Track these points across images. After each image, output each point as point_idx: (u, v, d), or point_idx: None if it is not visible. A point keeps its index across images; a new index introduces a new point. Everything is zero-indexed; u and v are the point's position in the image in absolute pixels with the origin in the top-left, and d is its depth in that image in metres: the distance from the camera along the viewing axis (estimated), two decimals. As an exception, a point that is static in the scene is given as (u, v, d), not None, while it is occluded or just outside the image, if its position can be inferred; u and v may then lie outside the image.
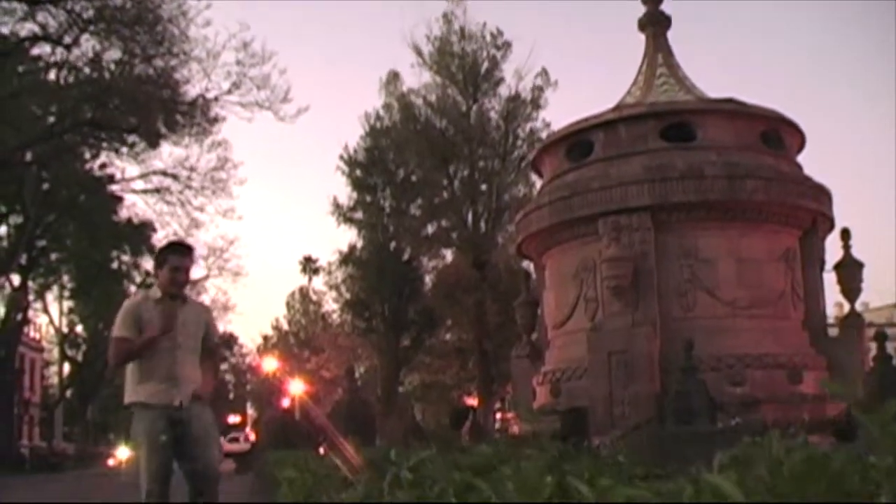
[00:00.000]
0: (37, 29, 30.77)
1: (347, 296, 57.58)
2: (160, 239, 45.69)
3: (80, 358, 64.82)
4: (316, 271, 78.68)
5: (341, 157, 52.90)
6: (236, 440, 57.76)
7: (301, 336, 79.05)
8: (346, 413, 16.61)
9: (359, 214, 53.09)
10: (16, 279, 43.74)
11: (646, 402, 17.86)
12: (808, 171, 21.79)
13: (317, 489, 3.90)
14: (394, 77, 49.50)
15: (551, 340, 22.09)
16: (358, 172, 52.29)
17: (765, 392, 18.43)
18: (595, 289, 20.09)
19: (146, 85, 30.83)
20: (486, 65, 46.98)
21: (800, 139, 22.26)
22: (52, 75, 34.07)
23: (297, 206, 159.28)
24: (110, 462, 60.17)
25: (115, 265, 50.27)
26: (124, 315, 7.08)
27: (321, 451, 22.66)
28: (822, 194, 20.97)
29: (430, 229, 51.57)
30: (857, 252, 21.49)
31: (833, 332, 21.99)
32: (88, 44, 31.61)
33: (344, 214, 52.77)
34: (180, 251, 7.41)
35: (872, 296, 70.70)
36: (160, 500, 6.78)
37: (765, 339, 19.28)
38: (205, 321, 7.47)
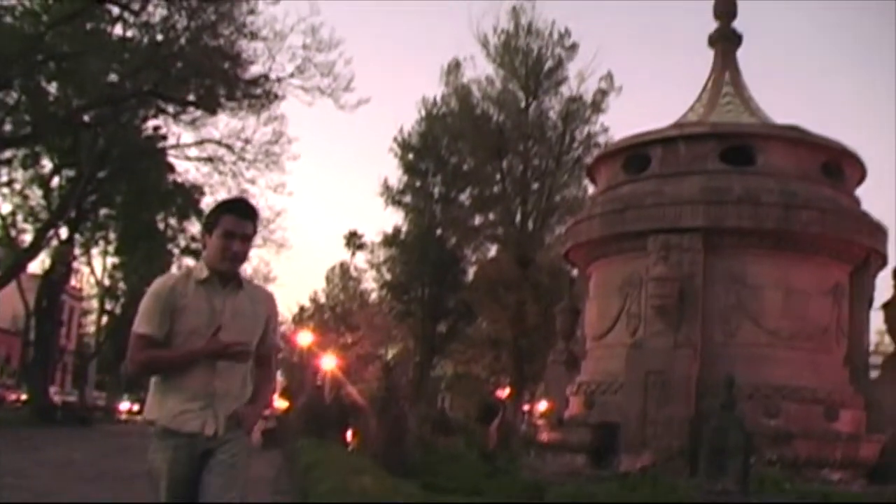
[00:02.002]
0: (106, -10, 31.02)
1: (388, 276, 57.80)
2: (209, 204, 46.05)
3: (118, 311, 65.29)
4: (360, 247, 78.61)
5: (395, 140, 53.17)
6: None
7: (338, 311, 79.30)
8: (379, 411, 16.64)
9: (407, 198, 53.39)
10: (63, 232, 44.15)
11: (679, 426, 17.74)
12: (865, 203, 21.58)
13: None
14: (455, 66, 49.61)
15: (589, 351, 21.98)
16: (410, 156, 52.55)
17: (799, 426, 18.24)
18: (639, 305, 19.94)
19: (211, 57, 30.97)
20: (549, 63, 46.92)
21: (860, 172, 21.99)
22: (118, 31, 34.34)
23: (344, 184, 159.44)
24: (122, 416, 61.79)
25: (161, 226, 50.56)
26: (150, 301, 5.11)
27: (349, 435, 22.79)
28: (877, 231, 20.70)
29: (477, 221, 51.70)
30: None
31: (874, 360, 21.81)
32: (157, 11, 31.86)
33: (393, 197, 53.10)
34: (238, 211, 5.27)
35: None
36: None
37: (804, 371, 19.08)
38: (265, 315, 5.36)
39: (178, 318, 5.06)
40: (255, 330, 5.26)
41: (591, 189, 41.56)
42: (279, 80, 34.19)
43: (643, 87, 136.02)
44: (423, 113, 52.63)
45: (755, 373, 18.41)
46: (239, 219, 5.18)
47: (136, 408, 71.71)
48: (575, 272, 26.08)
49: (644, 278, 19.67)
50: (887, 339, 22.59)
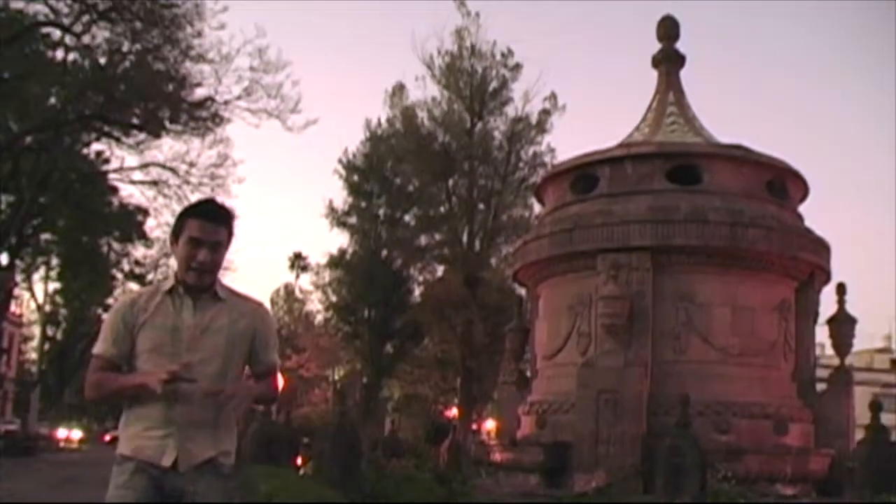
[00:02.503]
0: (48, 11, 30.72)
1: (334, 298, 57.60)
2: (153, 227, 45.62)
3: (60, 337, 64.52)
4: (304, 268, 78.50)
5: (340, 161, 53.13)
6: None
7: (283, 333, 78.91)
8: (333, 436, 16.51)
9: (353, 219, 53.36)
10: (3, 258, 43.56)
11: (632, 443, 17.80)
12: (807, 219, 21.87)
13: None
14: (399, 89, 49.68)
15: (540, 370, 22.02)
16: (355, 177, 52.56)
17: (750, 441, 18.40)
18: (589, 324, 20.01)
19: (155, 80, 30.77)
20: (494, 84, 47.09)
21: (803, 189, 22.27)
22: (59, 55, 33.94)
23: (288, 205, 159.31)
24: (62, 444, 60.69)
25: (104, 250, 50.00)
26: (108, 319, 4.70)
27: (299, 460, 22.58)
28: (821, 247, 20.96)
29: (423, 241, 51.70)
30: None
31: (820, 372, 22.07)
32: (101, 33, 31.59)
33: (338, 218, 53.05)
34: (206, 214, 4.65)
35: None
36: None
37: (753, 387, 19.24)
38: (251, 333, 4.73)
39: (139, 335, 4.52)
40: (233, 348, 4.62)
41: (537, 209, 41.89)
42: (226, 102, 34.12)
43: (587, 105, 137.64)
44: (367, 134, 52.66)
45: (705, 389, 18.52)
46: (207, 223, 4.56)
47: (74, 435, 70.75)
48: (524, 292, 26.12)
49: (594, 297, 19.74)
50: (829, 351, 22.90)
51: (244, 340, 4.68)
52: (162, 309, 4.54)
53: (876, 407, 14.56)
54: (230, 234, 4.67)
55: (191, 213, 4.66)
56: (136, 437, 4.48)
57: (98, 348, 4.56)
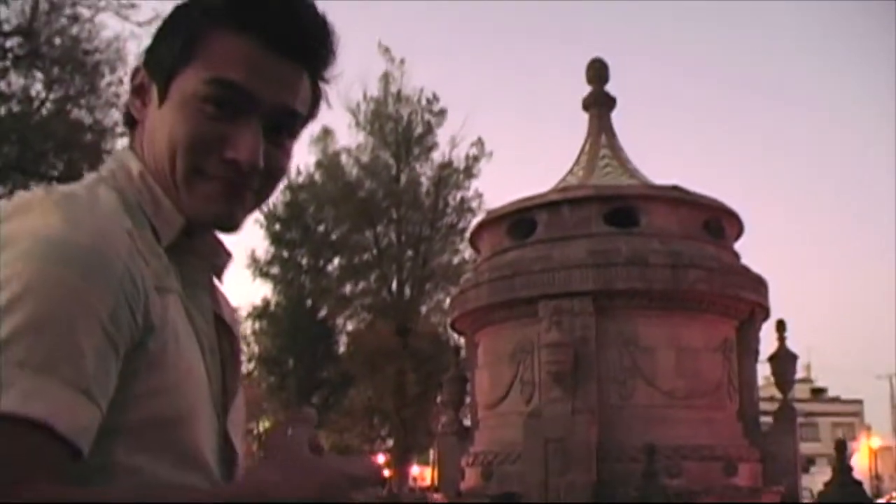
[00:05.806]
0: (-42, 56, 29.62)
1: (257, 349, 56.47)
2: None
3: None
4: (224, 320, 76.87)
5: (260, 210, 52.19)
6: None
7: (204, 386, 77.34)
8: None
9: (275, 269, 52.27)
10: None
11: (582, 492, 17.49)
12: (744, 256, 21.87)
13: None
14: (324, 134, 48.91)
15: (482, 420, 21.59)
16: (276, 226, 51.59)
17: (701, 484, 18.14)
18: (532, 372, 19.68)
19: (75, 131, 29.78)
20: (419, 129, 46.66)
21: (739, 228, 22.28)
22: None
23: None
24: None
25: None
26: (70, 300, 1.36)
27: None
28: (760, 285, 20.94)
29: (348, 289, 50.90)
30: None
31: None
32: (16, 80, 30.43)
33: (260, 269, 51.92)
34: (281, 28, 1.56)
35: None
36: None
37: (701, 430, 19.04)
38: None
39: (147, 369, 1.52)
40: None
41: (467, 255, 41.63)
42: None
43: (516, 149, 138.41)
44: (287, 182, 51.79)
45: (654, 434, 18.21)
46: (272, 51, 1.60)
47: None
48: (459, 339, 25.73)
49: (536, 344, 19.43)
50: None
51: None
52: (174, 298, 1.63)
53: (842, 447, 14.40)
54: (317, 101, 1.80)
55: (228, 12, 1.61)
56: None
57: (35, 405, 1.32)
